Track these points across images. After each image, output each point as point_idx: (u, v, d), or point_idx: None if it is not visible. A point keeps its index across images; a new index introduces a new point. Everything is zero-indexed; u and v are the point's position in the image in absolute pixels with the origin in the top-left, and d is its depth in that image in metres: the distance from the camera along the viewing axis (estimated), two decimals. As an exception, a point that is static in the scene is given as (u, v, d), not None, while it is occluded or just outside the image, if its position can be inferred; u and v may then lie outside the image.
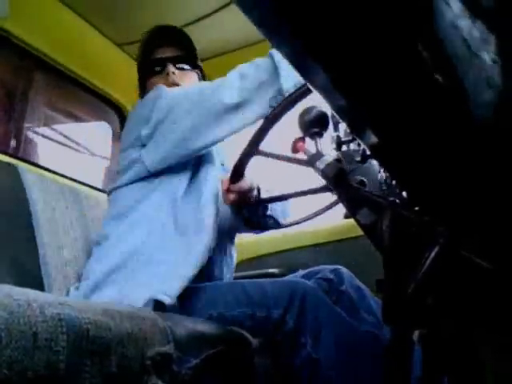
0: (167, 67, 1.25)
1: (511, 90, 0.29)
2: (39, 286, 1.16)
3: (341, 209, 1.66)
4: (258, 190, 1.18)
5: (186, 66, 1.29)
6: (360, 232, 0.81)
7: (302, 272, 1.26)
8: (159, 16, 1.49)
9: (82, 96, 1.71)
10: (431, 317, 0.66)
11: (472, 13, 0.23)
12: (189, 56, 1.30)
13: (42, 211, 1.26)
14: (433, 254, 0.56)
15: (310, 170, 0.88)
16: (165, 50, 1.27)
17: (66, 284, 1.21)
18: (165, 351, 0.63)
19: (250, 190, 1.13)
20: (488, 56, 0.25)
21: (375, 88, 0.35)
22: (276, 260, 1.73)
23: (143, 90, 1.32)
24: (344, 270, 1.21)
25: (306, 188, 1.04)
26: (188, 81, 1.27)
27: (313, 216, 1.18)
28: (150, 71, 1.28)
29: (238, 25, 1.63)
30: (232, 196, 1.10)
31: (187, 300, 1.02)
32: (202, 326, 0.80)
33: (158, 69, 1.26)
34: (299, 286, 0.97)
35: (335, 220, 1.76)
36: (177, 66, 1.27)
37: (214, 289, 1.05)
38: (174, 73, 1.24)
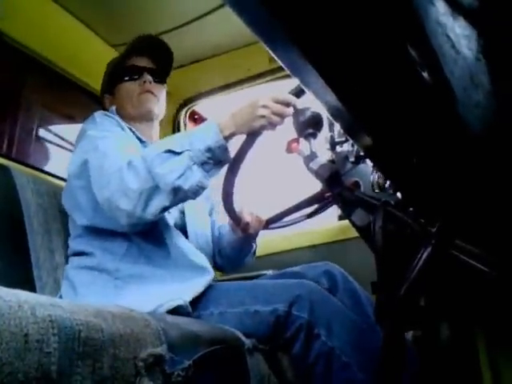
0: (144, 75, 1.27)
1: (500, 90, 0.29)
2: (31, 289, 1.14)
3: (335, 210, 1.67)
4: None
5: (160, 80, 1.32)
6: (354, 233, 0.81)
7: (295, 268, 1.25)
8: (153, 17, 1.49)
9: (75, 97, 1.71)
10: (425, 318, 0.66)
11: (453, 10, 0.23)
12: (166, 72, 1.34)
13: (34, 213, 1.25)
14: (425, 254, 0.57)
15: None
16: (146, 60, 1.30)
17: (58, 287, 1.20)
18: (157, 352, 0.63)
19: (256, 219, 1.19)
20: (471, 53, 0.25)
21: (368, 88, 0.35)
22: (270, 261, 1.73)
23: (107, 89, 1.34)
24: (337, 270, 1.20)
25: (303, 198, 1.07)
26: (161, 93, 1.30)
27: (302, 219, 1.19)
28: (125, 76, 1.29)
29: (228, 27, 1.64)
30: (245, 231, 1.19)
31: None
32: (195, 327, 0.80)
33: (135, 76, 1.28)
34: (305, 284, 1.00)
35: (329, 222, 1.77)
36: (154, 78, 1.29)
37: (217, 288, 1.07)
38: (150, 82, 1.27)
